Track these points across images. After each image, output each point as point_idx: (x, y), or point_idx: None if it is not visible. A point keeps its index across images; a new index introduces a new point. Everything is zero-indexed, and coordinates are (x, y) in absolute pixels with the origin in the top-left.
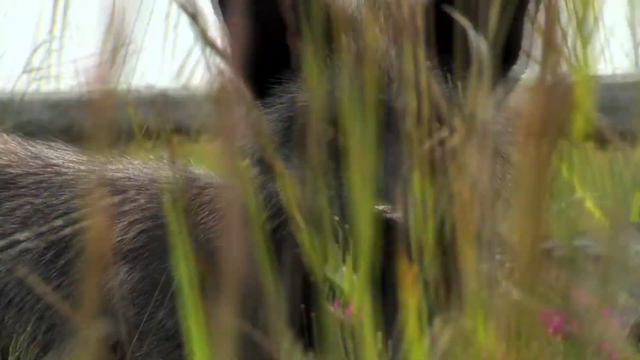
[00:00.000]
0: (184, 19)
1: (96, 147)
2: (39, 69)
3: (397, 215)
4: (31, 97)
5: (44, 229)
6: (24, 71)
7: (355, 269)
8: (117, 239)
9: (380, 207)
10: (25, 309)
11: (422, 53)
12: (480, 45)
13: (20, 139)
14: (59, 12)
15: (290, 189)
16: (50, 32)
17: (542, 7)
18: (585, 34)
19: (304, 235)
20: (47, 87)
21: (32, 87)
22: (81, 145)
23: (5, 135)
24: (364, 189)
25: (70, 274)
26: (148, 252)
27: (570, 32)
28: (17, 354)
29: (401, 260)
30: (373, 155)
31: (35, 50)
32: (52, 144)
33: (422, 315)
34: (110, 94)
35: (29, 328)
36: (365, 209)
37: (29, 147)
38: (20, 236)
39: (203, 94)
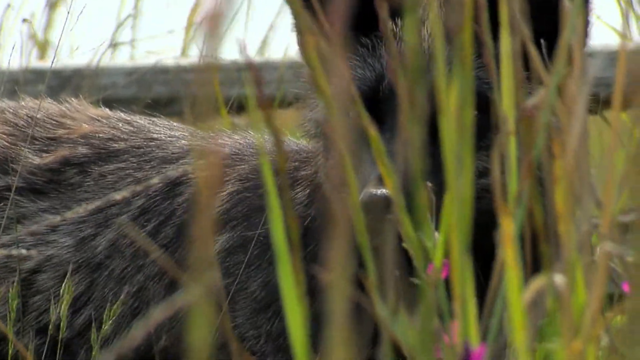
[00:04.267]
0: None
1: (201, 120)
2: (123, 42)
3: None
4: (113, 69)
5: (143, 201)
6: (110, 45)
7: (448, 234)
8: (217, 209)
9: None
10: (125, 279)
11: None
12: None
13: (123, 114)
14: None
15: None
16: (135, 7)
17: None
18: None
19: (399, 204)
20: (131, 61)
21: (116, 60)
22: (184, 119)
23: (107, 110)
24: (464, 153)
25: (174, 244)
26: (247, 221)
27: None
28: (110, 321)
29: (502, 216)
30: (470, 121)
31: (120, 25)
32: (154, 118)
33: (520, 272)
34: (214, 67)
35: (122, 297)
36: (467, 173)
37: (132, 122)
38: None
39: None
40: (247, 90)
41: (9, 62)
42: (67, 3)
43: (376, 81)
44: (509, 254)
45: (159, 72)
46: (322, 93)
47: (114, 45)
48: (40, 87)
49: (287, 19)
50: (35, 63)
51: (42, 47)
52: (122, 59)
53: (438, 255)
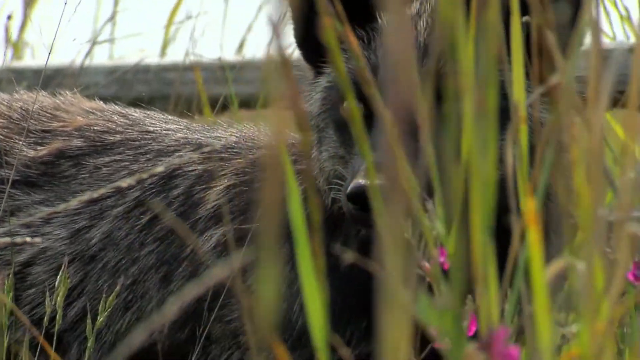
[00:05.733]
0: None
1: (196, 115)
2: (104, 41)
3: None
4: (94, 68)
5: (138, 193)
6: (91, 43)
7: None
8: (213, 203)
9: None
10: (120, 272)
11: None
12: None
13: (118, 107)
14: None
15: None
16: (115, 5)
17: None
18: None
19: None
20: (112, 60)
21: (96, 59)
22: (178, 114)
23: (102, 103)
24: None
25: (169, 237)
26: (243, 215)
27: None
28: (105, 313)
29: (524, 196)
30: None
31: (105, 23)
32: (150, 112)
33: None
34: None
35: (117, 288)
36: (490, 155)
37: (127, 115)
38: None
39: (263, 65)
40: (230, 88)
41: None
42: (44, 2)
43: (371, 73)
44: (532, 233)
45: (140, 72)
46: (340, 74)
47: (94, 43)
48: (23, 85)
49: (262, 20)
50: (16, 62)
51: (17, 46)
52: (102, 58)
53: (451, 241)
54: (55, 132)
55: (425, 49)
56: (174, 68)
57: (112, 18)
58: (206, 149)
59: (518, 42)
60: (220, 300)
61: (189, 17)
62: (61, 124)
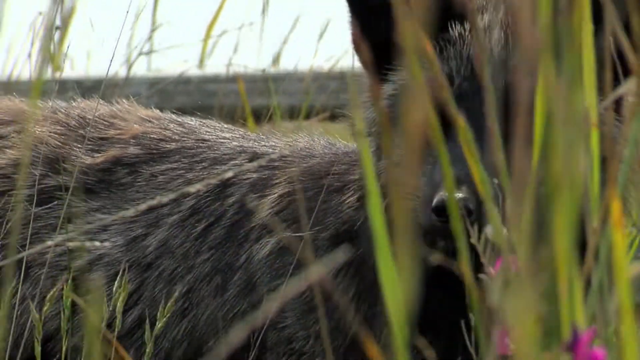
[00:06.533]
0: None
1: (239, 125)
2: (148, 52)
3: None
4: (136, 79)
5: (193, 201)
6: (137, 53)
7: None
8: (267, 211)
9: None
10: (175, 280)
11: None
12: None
13: (174, 115)
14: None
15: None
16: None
17: None
18: None
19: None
20: (153, 71)
21: (137, 70)
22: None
23: (157, 111)
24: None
25: (224, 245)
26: (297, 223)
27: None
28: (164, 319)
29: (612, 200)
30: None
31: (150, 34)
32: (205, 120)
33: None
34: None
35: (175, 295)
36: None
37: (183, 123)
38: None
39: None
40: (273, 99)
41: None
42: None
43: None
44: (617, 235)
45: (180, 83)
46: (415, 79)
47: (139, 54)
48: (67, 97)
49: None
50: (57, 73)
51: (54, 57)
52: (143, 69)
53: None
54: (112, 140)
55: (499, 61)
56: (214, 80)
57: (153, 30)
58: (262, 158)
59: (589, 47)
60: (275, 307)
61: (224, 32)
62: (118, 131)
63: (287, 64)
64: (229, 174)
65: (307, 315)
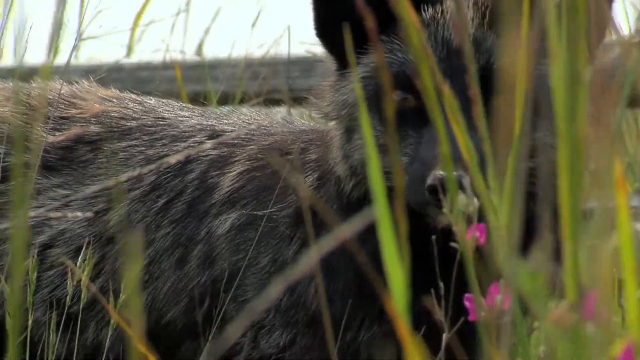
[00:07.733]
0: None
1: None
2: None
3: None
4: (70, 68)
5: (154, 177)
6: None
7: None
8: (227, 188)
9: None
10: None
11: None
12: None
13: (134, 95)
14: None
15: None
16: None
17: None
18: None
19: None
20: (88, 59)
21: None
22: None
23: (117, 91)
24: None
25: (184, 220)
26: (256, 200)
27: None
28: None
29: (614, 164)
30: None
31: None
32: (164, 100)
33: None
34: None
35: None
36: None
37: (143, 102)
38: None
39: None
40: (209, 85)
41: None
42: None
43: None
44: (620, 197)
45: (113, 71)
46: (415, 48)
47: (79, 40)
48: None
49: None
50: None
51: None
52: (75, 57)
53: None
54: (73, 119)
55: (476, 41)
56: (147, 67)
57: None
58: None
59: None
60: (237, 280)
61: (151, 22)
62: (79, 110)
63: (219, 52)
64: (195, 151)
65: (267, 289)
